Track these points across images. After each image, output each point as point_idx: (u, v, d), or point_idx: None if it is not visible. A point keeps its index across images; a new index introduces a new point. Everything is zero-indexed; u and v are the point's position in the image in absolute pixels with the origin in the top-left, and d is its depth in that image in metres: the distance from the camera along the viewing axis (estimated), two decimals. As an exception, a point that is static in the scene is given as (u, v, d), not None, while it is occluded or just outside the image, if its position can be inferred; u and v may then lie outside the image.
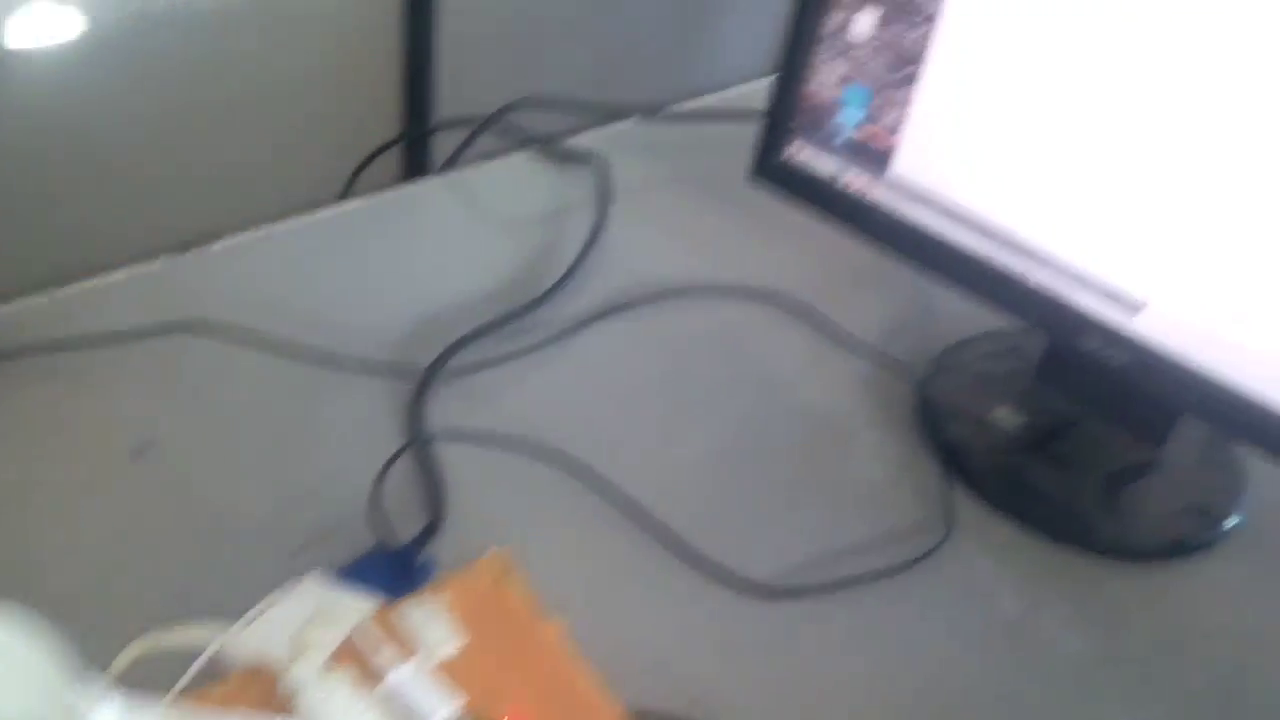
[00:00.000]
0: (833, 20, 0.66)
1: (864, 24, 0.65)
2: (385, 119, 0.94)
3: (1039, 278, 0.64)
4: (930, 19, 0.63)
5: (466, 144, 0.91)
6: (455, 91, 0.96)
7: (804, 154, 0.71)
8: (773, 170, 0.73)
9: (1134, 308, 0.62)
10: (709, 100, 1.02)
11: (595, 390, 0.70)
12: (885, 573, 0.61)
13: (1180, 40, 0.55)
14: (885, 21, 0.64)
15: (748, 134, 0.73)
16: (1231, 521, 0.68)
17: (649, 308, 0.77)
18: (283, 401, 0.66)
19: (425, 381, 0.67)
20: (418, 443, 0.63)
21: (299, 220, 0.81)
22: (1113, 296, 0.62)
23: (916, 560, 0.62)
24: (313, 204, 0.83)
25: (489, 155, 0.92)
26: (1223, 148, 0.55)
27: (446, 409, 0.67)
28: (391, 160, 0.94)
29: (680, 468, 0.66)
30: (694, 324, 0.77)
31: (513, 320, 0.73)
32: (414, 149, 0.95)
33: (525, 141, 0.92)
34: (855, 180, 0.69)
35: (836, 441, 0.69)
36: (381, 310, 0.74)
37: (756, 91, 0.76)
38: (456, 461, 0.63)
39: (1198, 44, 0.55)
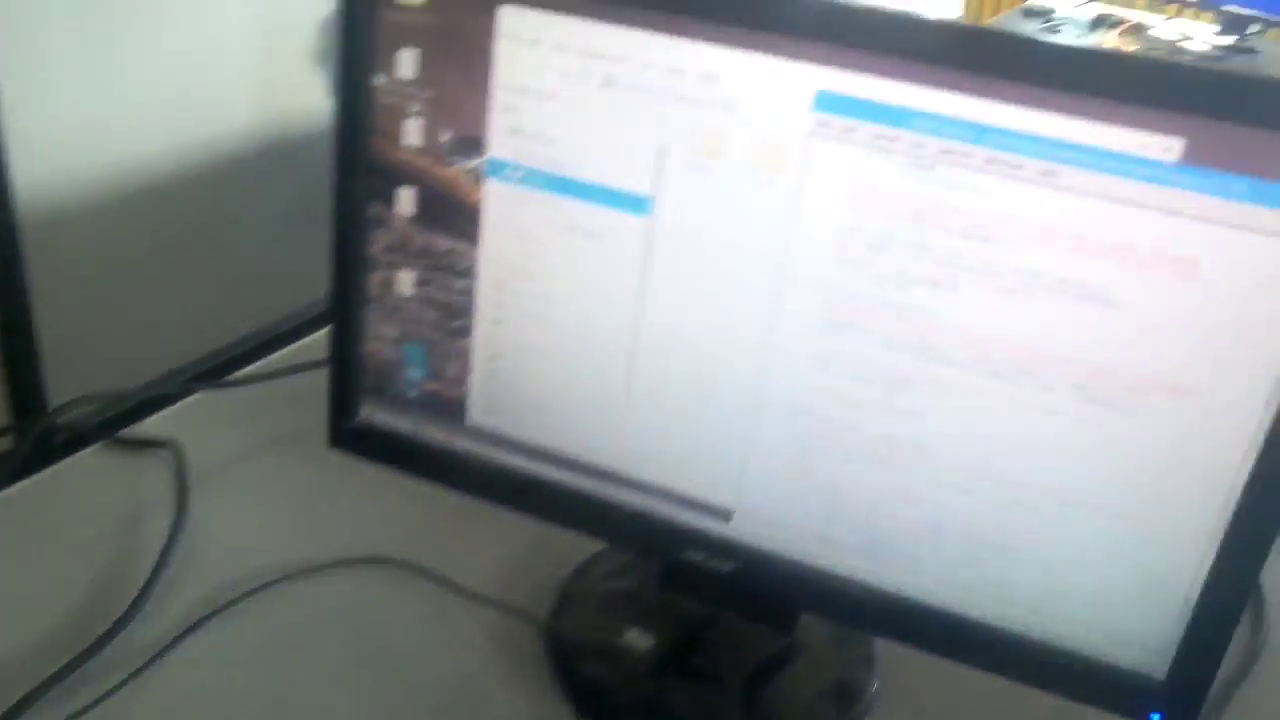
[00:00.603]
0: (374, 281, 0.64)
1: (405, 283, 0.63)
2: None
3: (630, 502, 0.63)
4: (467, 273, 0.61)
5: (19, 454, 0.82)
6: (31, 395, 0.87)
7: (379, 415, 0.67)
8: (350, 436, 0.68)
9: (725, 515, 0.62)
10: (288, 352, 0.97)
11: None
12: None
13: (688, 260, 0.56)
14: (424, 280, 0.62)
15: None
16: (870, 689, 0.68)
17: (247, 605, 0.70)
18: None
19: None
20: None
21: None
22: (702, 508, 0.62)
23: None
24: None
25: (50, 461, 0.82)
26: (748, 360, 0.57)
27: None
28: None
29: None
30: (301, 611, 0.70)
31: (80, 665, 0.63)
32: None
33: (89, 438, 0.83)
34: (436, 434, 0.66)
35: (470, 716, 0.64)
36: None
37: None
38: None
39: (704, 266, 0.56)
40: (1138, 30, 2.44)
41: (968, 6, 3.11)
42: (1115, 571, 0.55)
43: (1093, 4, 2.70)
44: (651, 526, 0.63)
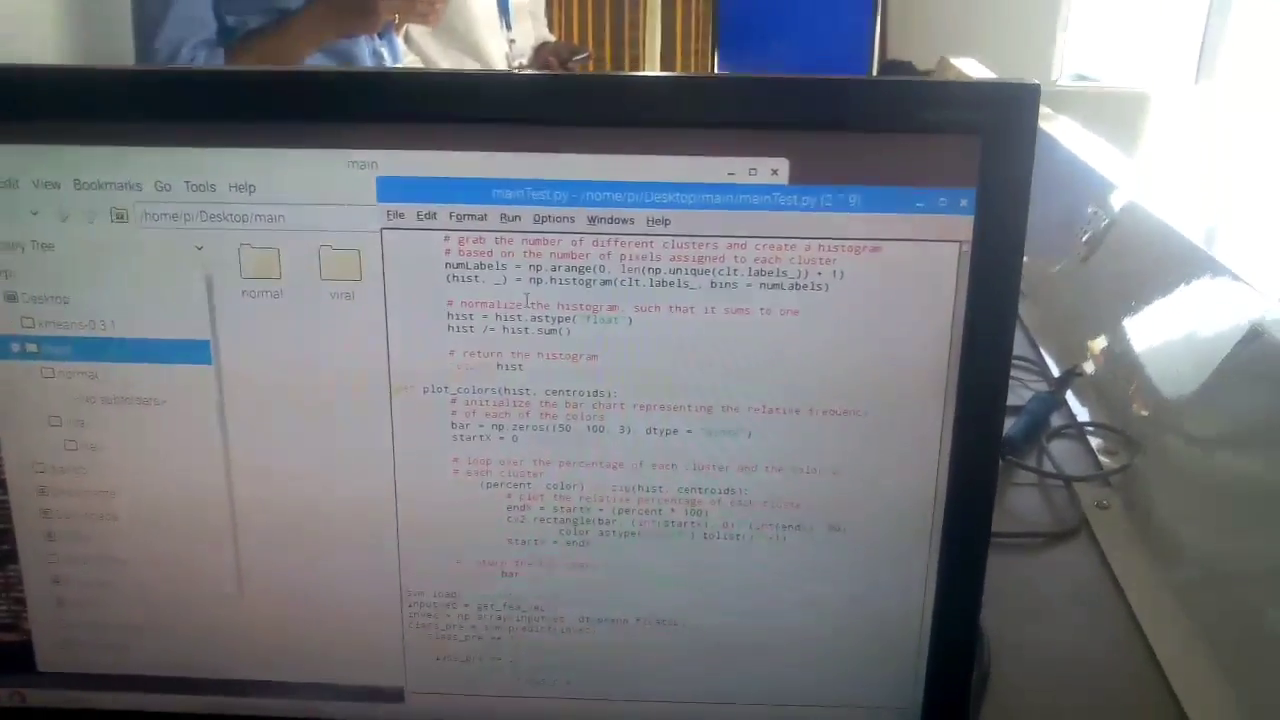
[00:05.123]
0: (-127, 524, 0.46)
1: (-85, 516, 0.46)
2: None
3: (279, 711, 0.49)
4: (-4, 484, 0.45)
5: None
6: None
7: (-77, 690, 0.49)
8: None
9: (396, 696, 0.48)
10: None
11: None
12: None
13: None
14: (-61, 505, 0.46)
15: None
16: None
17: None
18: None
19: None
20: None
21: None
22: (367, 695, 0.48)
23: None
24: None
25: None
26: (377, 491, 0.45)
27: None
28: None
29: None
30: None
31: None
32: None
33: None
34: (2, 697, 0.49)
35: None
36: None
37: None
38: None
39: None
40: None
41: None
42: (845, 607, 0.46)
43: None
44: (312, 732, 0.49)
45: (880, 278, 0.42)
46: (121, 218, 0.42)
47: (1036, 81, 0.40)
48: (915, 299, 0.42)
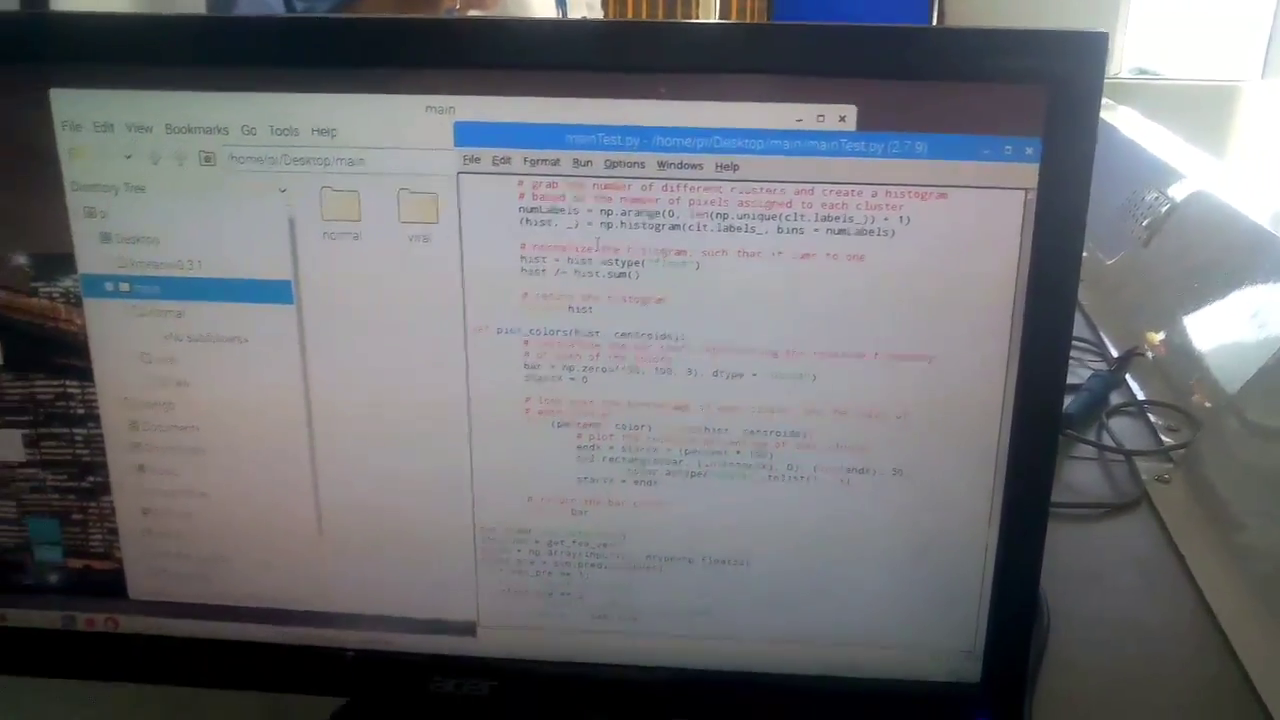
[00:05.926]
0: (-28, 454, 0.48)
1: (11, 447, 0.48)
2: None
3: (352, 642, 0.50)
4: (89, 418, 0.47)
5: None
6: None
7: (13, 616, 0.51)
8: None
9: (468, 629, 0.49)
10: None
11: None
12: None
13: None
14: (36, 438, 0.47)
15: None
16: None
17: None
18: None
19: None
20: None
21: None
22: (440, 628, 0.49)
23: None
24: None
25: None
26: (452, 434, 0.46)
27: None
28: None
29: None
30: None
31: None
32: None
33: None
34: (95, 620, 0.51)
35: None
36: None
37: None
38: None
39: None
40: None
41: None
42: (908, 550, 0.46)
43: None
44: (385, 664, 0.50)
45: (946, 224, 0.42)
46: (209, 161, 0.43)
47: (1104, 30, 0.40)
48: (980, 245, 0.42)
